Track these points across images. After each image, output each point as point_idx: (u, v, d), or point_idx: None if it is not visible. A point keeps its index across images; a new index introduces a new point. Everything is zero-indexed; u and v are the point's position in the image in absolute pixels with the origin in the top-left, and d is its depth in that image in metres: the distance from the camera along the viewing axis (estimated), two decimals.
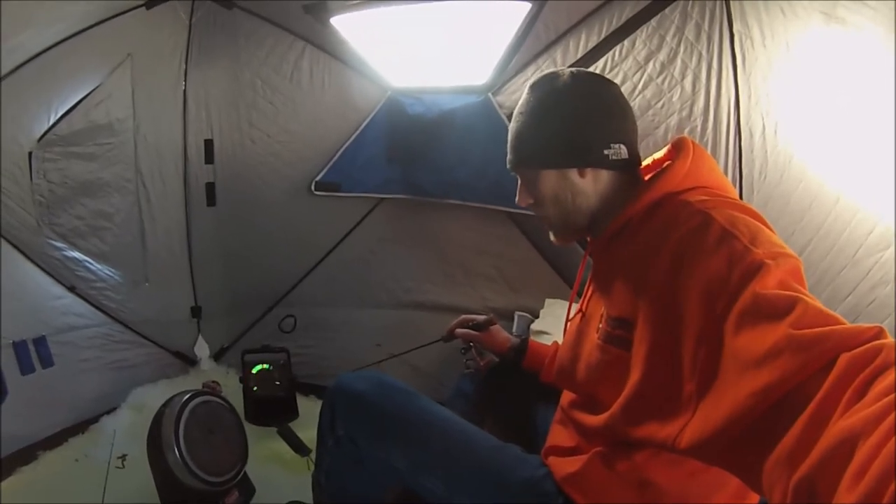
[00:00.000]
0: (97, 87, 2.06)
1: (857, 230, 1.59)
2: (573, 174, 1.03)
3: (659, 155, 1.10)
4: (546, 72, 1.09)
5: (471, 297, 2.38)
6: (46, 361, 1.98)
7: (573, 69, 1.08)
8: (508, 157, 1.12)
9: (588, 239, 1.15)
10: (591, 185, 1.03)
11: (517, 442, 1.18)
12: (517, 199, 1.12)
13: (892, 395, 0.50)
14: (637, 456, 0.93)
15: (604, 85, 1.06)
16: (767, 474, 0.61)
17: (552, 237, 1.14)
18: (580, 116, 1.03)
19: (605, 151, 1.01)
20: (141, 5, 2.05)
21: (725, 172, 1.71)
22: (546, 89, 1.06)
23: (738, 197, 0.99)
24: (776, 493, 0.59)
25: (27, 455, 1.89)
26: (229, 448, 1.62)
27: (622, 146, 1.02)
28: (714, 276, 0.76)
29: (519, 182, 1.12)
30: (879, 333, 0.60)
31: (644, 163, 1.11)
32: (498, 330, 1.53)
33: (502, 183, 2.03)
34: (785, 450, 0.59)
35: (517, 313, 2.14)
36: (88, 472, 1.84)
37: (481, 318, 1.53)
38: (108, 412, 2.17)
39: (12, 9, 1.59)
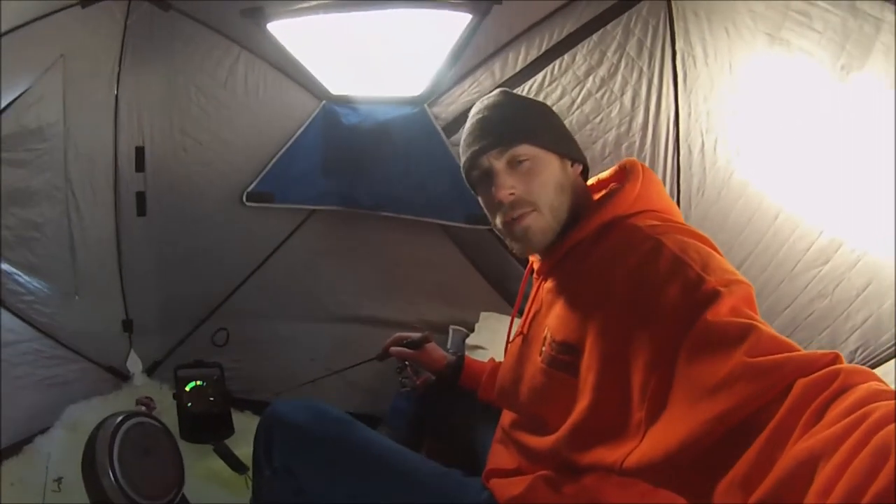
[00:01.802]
0: (28, 88, 2.02)
1: (796, 245, 1.68)
2: (569, 166, 1.07)
3: (604, 175, 1.13)
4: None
5: (406, 311, 2.42)
6: None
7: None
8: (502, 132, 1.03)
9: (530, 259, 1.18)
10: (576, 185, 1.07)
11: (456, 461, 1.21)
12: (498, 192, 1.01)
13: (852, 417, 0.52)
14: (585, 479, 0.95)
15: None
16: (720, 497, 0.63)
17: (520, 246, 1.06)
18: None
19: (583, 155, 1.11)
20: (76, 4, 2.02)
21: None
22: (523, 97, 1.13)
23: (684, 220, 1.02)
24: None
25: None
26: (166, 470, 1.63)
27: None
28: (666, 305, 0.78)
29: (498, 172, 1.03)
30: (835, 359, 0.63)
31: (587, 182, 1.15)
32: (433, 347, 1.55)
33: (436, 196, 2.13)
34: (739, 473, 0.61)
35: (452, 327, 2.20)
36: (25, 496, 1.83)
37: (416, 335, 1.56)
38: (42, 432, 2.14)
39: None
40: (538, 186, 1.01)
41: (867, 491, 0.45)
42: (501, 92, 1.11)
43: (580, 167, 1.11)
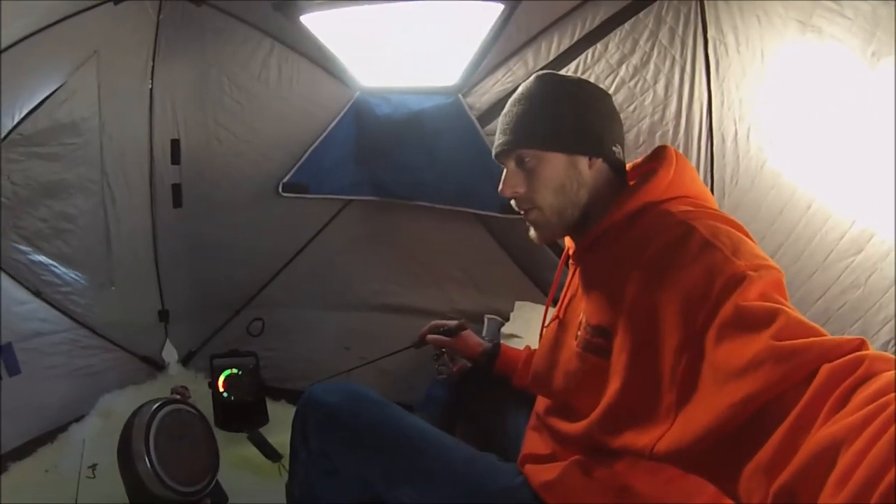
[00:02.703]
0: (62, 84, 2.06)
1: (829, 235, 1.67)
2: (583, 163, 1.06)
3: (637, 161, 1.15)
4: (550, 71, 1.15)
5: (439, 299, 2.44)
6: (13, 369, 1.97)
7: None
8: (506, 138, 1.10)
9: (565, 243, 1.20)
10: (593, 178, 1.07)
11: (489, 448, 1.22)
12: (502, 187, 1.11)
13: (875, 405, 0.52)
14: (616, 464, 0.96)
15: (607, 93, 1.14)
16: (745, 482, 0.64)
17: (534, 233, 1.14)
18: (596, 109, 1.09)
19: (613, 148, 1.08)
20: (108, 0, 2.05)
21: None
22: (559, 80, 1.11)
23: (718, 207, 1.03)
24: (755, 501, 0.62)
25: None
26: (201, 457, 1.65)
27: (621, 149, 1.11)
28: (695, 287, 0.79)
29: (507, 170, 1.11)
30: (861, 345, 0.63)
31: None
32: (469, 335, 1.58)
33: (469, 185, 2.13)
34: (764, 458, 0.61)
35: (487, 317, 2.19)
36: (59, 482, 1.87)
37: (452, 323, 1.58)
38: (77, 420, 2.19)
39: None
40: (538, 187, 1.07)
41: (884, 479, 0.46)
42: (535, 79, 1.12)
43: (603, 160, 1.10)
